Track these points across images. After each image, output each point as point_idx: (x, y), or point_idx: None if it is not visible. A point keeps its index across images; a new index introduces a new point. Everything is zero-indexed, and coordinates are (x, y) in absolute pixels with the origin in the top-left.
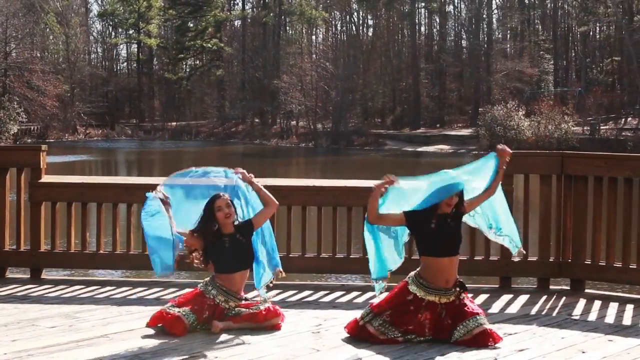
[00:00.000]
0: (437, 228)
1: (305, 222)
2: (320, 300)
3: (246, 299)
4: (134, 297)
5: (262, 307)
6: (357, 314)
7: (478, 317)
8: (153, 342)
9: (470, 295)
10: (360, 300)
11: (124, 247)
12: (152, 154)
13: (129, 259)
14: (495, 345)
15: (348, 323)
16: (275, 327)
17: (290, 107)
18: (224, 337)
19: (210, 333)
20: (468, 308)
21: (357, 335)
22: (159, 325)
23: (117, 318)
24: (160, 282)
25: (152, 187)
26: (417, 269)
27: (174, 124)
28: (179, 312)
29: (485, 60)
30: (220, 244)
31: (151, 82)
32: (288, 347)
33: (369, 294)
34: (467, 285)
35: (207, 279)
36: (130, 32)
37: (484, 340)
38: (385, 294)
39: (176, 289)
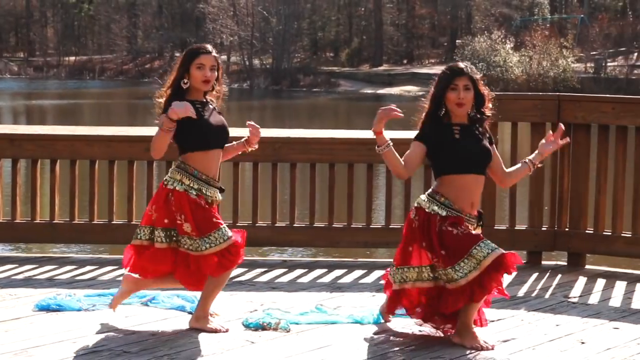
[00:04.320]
0: (462, 138)
1: (238, 181)
2: (256, 279)
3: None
4: (20, 277)
5: (216, 243)
6: (302, 296)
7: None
8: (44, 332)
9: None
10: (305, 279)
11: (9, 215)
12: (45, 96)
13: (14, 230)
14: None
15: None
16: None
17: (220, 38)
18: (132, 320)
19: (111, 317)
20: None
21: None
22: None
23: None
24: (55, 258)
25: (45, 137)
26: (430, 189)
27: (72, 58)
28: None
29: None
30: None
31: (43, 5)
32: (215, 337)
33: (317, 272)
34: None
35: (175, 171)
36: None
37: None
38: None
39: (74, 267)
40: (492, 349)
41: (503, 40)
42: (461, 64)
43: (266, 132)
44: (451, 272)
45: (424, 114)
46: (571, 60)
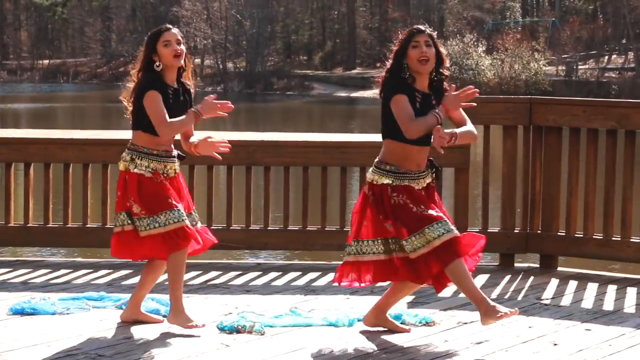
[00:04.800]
0: (421, 108)
1: (212, 185)
2: (231, 282)
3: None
4: None
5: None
6: (276, 299)
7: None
8: (18, 336)
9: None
10: (280, 282)
11: None
12: (19, 99)
13: None
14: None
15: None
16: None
17: (194, 41)
18: (106, 324)
19: (85, 320)
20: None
21: (349, 275)
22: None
23: None
24: (29, 261)
25: (18, 141)
26: (376, 159)
27: (46, 62)
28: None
29: None
30: (164, 95)
31: (17, 9)
32: (190, 340)
33: (291, 275)
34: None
35: (126, 153)
36: None
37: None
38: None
39: (48, 270)
40: (517, 312)
41: (475, 43)
42: (420, 25)
43: (240, 136)
44: (404, 243)
45: (384, 71)
46: (543, 63)
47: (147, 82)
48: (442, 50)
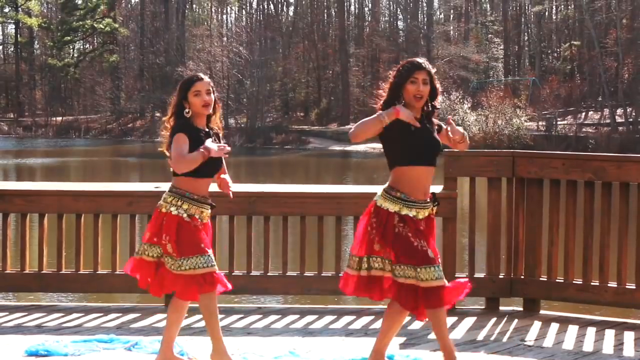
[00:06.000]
0: (416, 130)
1: (215, 233)
2: (232, 325)
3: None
4: (10, 324)
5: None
6: (276, 340)
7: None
8: None
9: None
10: (279, 325)
11: None
12: (34, 154)
13: (5, 279)
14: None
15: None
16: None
17: None
18: None
19: (96, 359)
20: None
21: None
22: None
23: None
24: (43, 306)
25: (33, 193)
26: (385, 185)
27: (59, 118)
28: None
29: (425, 44)
30: (195, 137)
31: (32, 70)
32: None
33: (290, 318)
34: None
35: (168, 195)
36: (6, 10)
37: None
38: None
39: (61, 314)
40: None
41: (461, 100)
42: (420, 59)
43: (241, 187)
44: (394, 267)
45: (381, 102)
46: (524, 119)
47: (178, 126)
48: (438, 85)
